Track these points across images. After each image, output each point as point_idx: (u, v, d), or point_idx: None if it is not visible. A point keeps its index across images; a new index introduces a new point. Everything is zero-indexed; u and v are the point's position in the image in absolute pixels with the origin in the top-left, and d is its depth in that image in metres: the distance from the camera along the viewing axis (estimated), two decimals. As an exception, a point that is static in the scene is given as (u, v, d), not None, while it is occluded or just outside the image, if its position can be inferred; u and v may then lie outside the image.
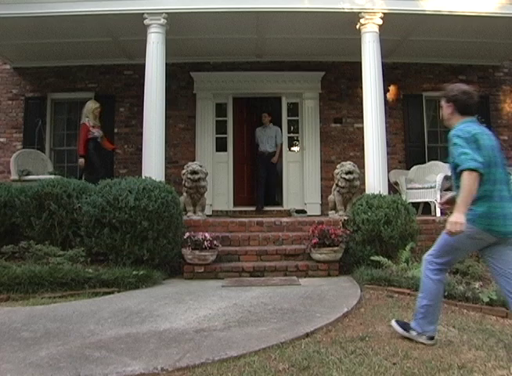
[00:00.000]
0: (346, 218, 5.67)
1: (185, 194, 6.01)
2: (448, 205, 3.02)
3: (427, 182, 6.97)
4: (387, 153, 6.17)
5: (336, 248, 5.09)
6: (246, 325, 3.23)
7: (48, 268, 4.40)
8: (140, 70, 6.64)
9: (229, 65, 8.45)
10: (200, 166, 5.95)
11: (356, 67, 6.73)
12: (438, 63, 8.47)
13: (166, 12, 6.12)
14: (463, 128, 2.71)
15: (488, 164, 2.60)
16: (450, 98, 2.85)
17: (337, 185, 6.08)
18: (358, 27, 6.31)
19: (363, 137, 6.31)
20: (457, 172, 2.61)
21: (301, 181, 8.38)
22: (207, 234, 5.08)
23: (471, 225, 2.57)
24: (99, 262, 4.99)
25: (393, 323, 3.05)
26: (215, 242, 5.06)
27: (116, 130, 8.27)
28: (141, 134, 6.31)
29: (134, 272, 4.55)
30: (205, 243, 4.95)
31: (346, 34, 6.71)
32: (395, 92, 8.47)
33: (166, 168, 6.36)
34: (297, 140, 8.82)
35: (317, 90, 8.43)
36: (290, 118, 8.62)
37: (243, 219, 6.11)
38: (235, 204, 8.38)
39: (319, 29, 6.97)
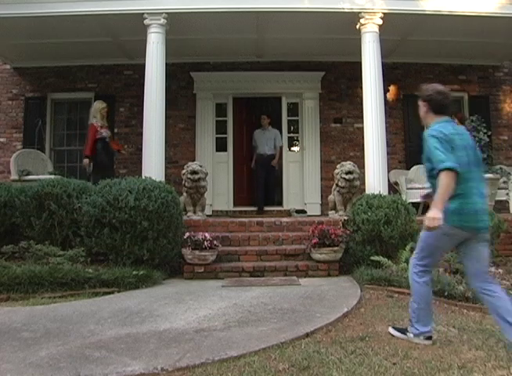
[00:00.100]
0: (346, 218, 5.68)
1: (185, 194, 6.02)
2: (427, 199, 3.10)
3: (427, 182, 6.95)
4: (387, 153, 6.17)
5: (336, 248, 5.09)
6: (246, 325, 3.23)
7: (48, 268, 4.40)
8: (140, 70, 6.64)
9: (229, 65, 8.45)
10: (200, 166, 5.95)
11: (356, 67, 6.73)
12: (438, 63, 8.47)
13: (166, 12, 6.11)
14: (438, 128, 2.79)
15: (462, 164, 2.68)
16: (425, 98, 2.93)
17: (337, 185, 6.09)
18: (358, 27, 6.30)
19: (363, 137, 6.31)
20: (433, 172, 2.71)
21: (301, 181, 8.38)
22: (207, 234, 5.09)
23: (445, 222, 2.65)
24: (99, 262, 4.99)
25: (390, 330, 3.09)
26: (215, 242, 5.07)
27: (116, 130, 8.26)
28: (141, 134, 6.31)
29: (134, 272, 4.55)
30: (205, 243, 4.96)
31: (346, 34, 6.71)
32: (395, 92, 8.47)
33: (166, 168, 6.36)
34: (297, 140, 8.82)
35: (317, 90, 8.43)
36: (290, 118, 8.62)
37: (243, 219, 6.11)
38: (235, 204, 8.38)
39: (319, 29, 6.97)
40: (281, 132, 8.46)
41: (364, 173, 6.20)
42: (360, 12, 6.17)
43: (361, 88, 6.46)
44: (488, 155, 5.98)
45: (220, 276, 4.97)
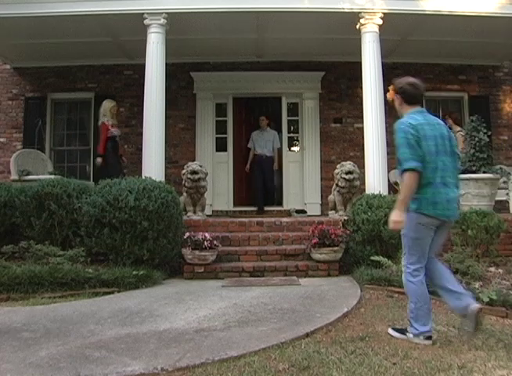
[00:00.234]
0: (346, 218, 5.68)
1: (185, 194, 6.02)
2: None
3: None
4: (387, 153, 6.17)
5: (336, 248, 5.09)
6: (246, 325, 3.23)
7: (48, 268, 4.40)
8: (140, 70, 6.64)
9: (229, 65, 8.45)
10: (200, 166, 5.95)
11: (356, 67, 6.72)
12: (438, 63, 8.47)
13: (166, 12, 6.12)
14: (406, 120, 2.88)
15: (429, 153, 2.76)
16: (398, 90, 3.02)
17: (337, 185, 6.09)
18: (358, 27, 6.30)
19: (363, 137, 6.31)
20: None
21: (301, 181, 8.38)
22: (207, 234, 5.09)
23: (419, 212, 2.78)
24: (99, 262, 5.00)
25: (390, 331, 3.08)
26: (215, 242, 5.07)
27: (116, 130, 8.26)
28: (141, 134, 6.31)
29: (134, 273, 4.55)
30: (205, 243, 4.96)
31: (346, 34, 6.71)
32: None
33: (166, 168, 6.36)
34: (297, 140, 8.81)
35: (317, 90, 8.43)
36: (290, 118, 8.62)
37: (243, 219, 6.11)
38: (235, 204, 8.38)
39: (319, 29, 6.97)
40: (281, 132, 8.48)
41: (364, 173, 6.20)
42: (360, 12, 6.17)
43: (361, 88, 6.46)
44: (488, 155, 5.97)
45: (220, 276, 4.97)
